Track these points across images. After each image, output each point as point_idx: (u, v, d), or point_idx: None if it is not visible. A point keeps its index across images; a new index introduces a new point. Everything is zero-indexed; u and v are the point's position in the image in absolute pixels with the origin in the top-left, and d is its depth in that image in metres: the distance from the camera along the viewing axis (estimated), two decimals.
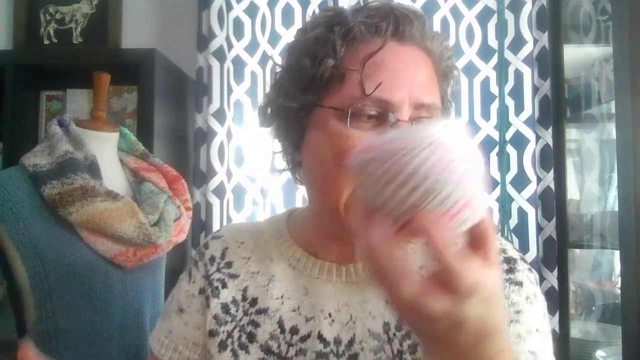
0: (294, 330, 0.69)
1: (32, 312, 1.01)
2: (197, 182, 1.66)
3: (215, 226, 1.62)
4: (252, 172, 1.72)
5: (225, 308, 0.72)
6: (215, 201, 1.63)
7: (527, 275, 0.69)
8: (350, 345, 0.67)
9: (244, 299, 0.72)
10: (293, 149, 0.72)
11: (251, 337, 0.69)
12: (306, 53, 0.67)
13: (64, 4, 1.84)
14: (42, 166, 1.06)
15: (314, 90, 0.66)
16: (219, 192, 1.64)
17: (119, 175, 1.19)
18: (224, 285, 0.73)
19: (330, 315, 0.69)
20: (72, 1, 1.85)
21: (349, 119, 0.63)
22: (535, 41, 1.67)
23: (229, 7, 1.69)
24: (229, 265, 0.75)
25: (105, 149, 1.18)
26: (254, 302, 0.72)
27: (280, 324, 0.70)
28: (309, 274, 0.72)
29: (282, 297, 0.71)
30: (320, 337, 0.67)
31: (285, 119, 0.70)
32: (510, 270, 0.69)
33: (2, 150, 1.59)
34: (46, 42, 1.84)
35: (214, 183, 1.63)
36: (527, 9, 1.66)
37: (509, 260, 0.70)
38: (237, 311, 0.72)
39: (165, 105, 1.61)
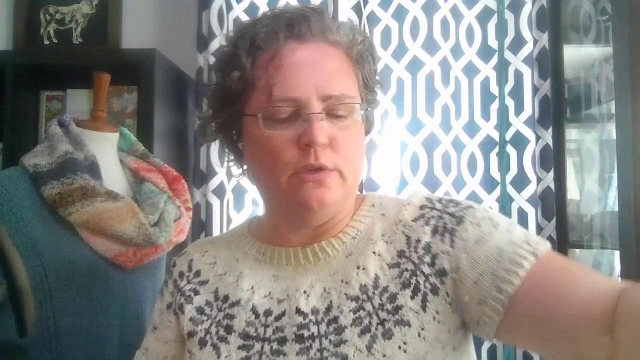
0: (268, 313, 0.72)
1: (32, 312, 1.01)
2: (197, 182, 1.66)
3: (215, 226, 1.62)
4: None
5: (200, 310, 0.76)
6: (215, 201, 1.63)
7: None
8: (328, 311, 0.69)
9: (217, 298, 0.76)
10: (236, 156, 0.79)
11: (228, 329, 0.72)
12: (219, 70, 0.75)
13: (64, 4, 1.84)
14: (42, 166, 1.06)
15: (232, 103, 0.73)
16: (219, 192, 1.64)
17: (119, 176, 1.19)
18: (196, 293, 0.78)
19: (305, 292, 0.72)
20: (72, 1, 1.85)
21: (261, 123, 0.68)
22: (535, 41, 1.67)
23: (229, 7, 1.69)
24: (197, 274, 0.80)
25: (105, 149, 1.18)
26: (225, 298, 0.75)
27: (254, 310, 0.72)
28: (277, 263, 0.75)
29: (252, 288, 0.74)
30: (299, 310, 0.70)
31: (220, 132, 0.78)
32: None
33: (2, 150, 1.59)
34: (46, 42, 1.84)
35: (214, 183, 1.63)
36: (527, 9, 1.66)
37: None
38: (211, 310, 0.75)
39: (165, 105, 1.61)
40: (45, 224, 1.03)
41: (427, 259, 0.69)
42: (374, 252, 0.72)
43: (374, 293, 0.69)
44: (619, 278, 1.45)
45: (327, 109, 0.68)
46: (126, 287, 1.11)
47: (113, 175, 1.16)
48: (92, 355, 1.05)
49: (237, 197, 1.70)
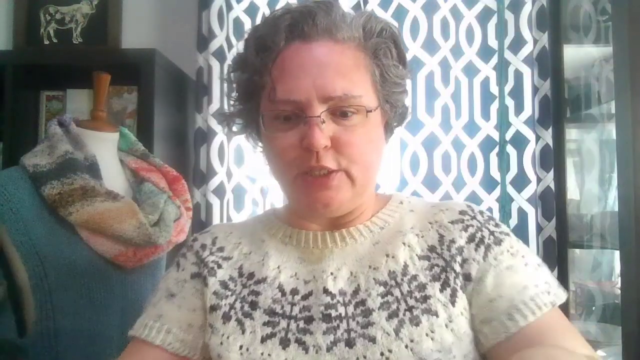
0: (295, 292, 0.72)
1: (32, 312, 1.01)
2: (197, 182, 1.65)
3: None
4: (252, 172, 1.72)
5: (223, 284, 0.75)
6: (215, 201, 1.63)
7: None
8: (355, 294, 0.70)
9: (241, 275, 0.75)
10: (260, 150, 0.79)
11: (253, 305, 0.72)
12: (232, 71, 0.76)
13: (64, 4, 1.84)
14: (42, 166, 1.06)
15: (246, 102, 0.74)
16: (219, 192, 1.64)
17: (119, 176, 1.19)
18: (219, 266, 0.76)
19: (332, 274, 0.72)
20: (72, 1, 1.85)
21: (263, 123, 0.70)
22: (535, 41, 1.67)
23: (229, 7, 1.69)
24: (221, 250, 0.79)
25: (105, 149, 1.18)
26: (251, 275, 0.75)
27: (281, 288, 0.72)
28: (303, 246, 0.75)
29: (278, 267, 0.74)
30: (326, 291, 0.71)
31: (245, 129, 0.79)
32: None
33: (2, 150, 1.59)
34: (46, 42, 1.84)
35: (214, 183, 1.63)
36: (527, 9, 1.66)
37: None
38: (235, 286, 0.74)
39: (165, 105, 1.61)
40: (45, 224, 1.03)
41: (459, 259, 0.71)
42: (403, 243, 0.73)
43: (402, 280, 0.70)
44: (619, 278, 1.45)
45: (331, 110, 0.67)
46: (126, 287, 1.11)
47: (113, 175, 1.16)
48: (92, 355, 1.05)
49: (237, 197, 1.70)
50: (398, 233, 0.74)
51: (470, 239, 0.72)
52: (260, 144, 0.78)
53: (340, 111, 0.68)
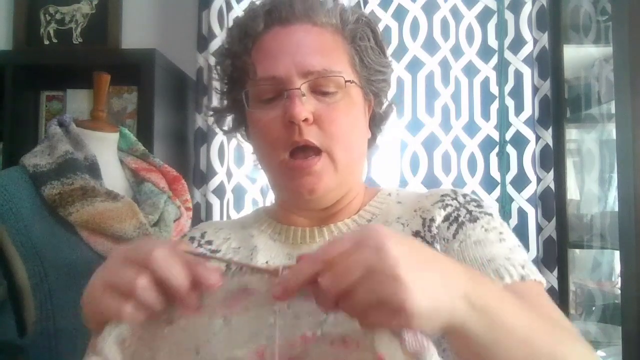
0: None
1: (32, 312, 1.01)
2: (197, 182, 1.65)
3: None
4: (252, 172, 1.72)
5: None
6: (215, 201, 1.63)
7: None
8: None
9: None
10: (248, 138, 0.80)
11: None
12: (219, 63, 0.78)
13: (64, 4, 1.84)
14: (42, 166, 1.06)
15: (231, 91, 0.76)
16: (219, 192, 1.64)
17: (119, 176, 1.19)
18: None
19: None
20: (72, 1, 1.84)
21: (248, 103, 0.71)
22: (535, 41, 1.67)
23: (229, 7, 1.69)
24: (209, 243, 0.78)
25: (105, 149, 1.18)
26: None
27: None
28: (291, 242, 0.75)
29: (266, 262, 0.74)
30: None
31: (233, 124, 0.80)
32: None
33: (2, 150, 1.59)
34: (46, 42, 1.84)
35: (214, 183, 1.63)
36: (527, 9, 1.66)
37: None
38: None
39: (165, 105, 1.61)
40: (45, 224, 1.03)
41: (438, 238, 0.70)
42: None
43: None
44: (619, 278, 1.45)
45: (311, 85, 0.68)
46: None
47: (113, 175, 1.16)
48: None
49: (237, 197, 1.69)
50: (384, 224, 0.73)
51: (447, 217, 0.71)
52: (248, 137, 0.79)
53: (320, 90, 0.69)
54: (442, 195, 0.74)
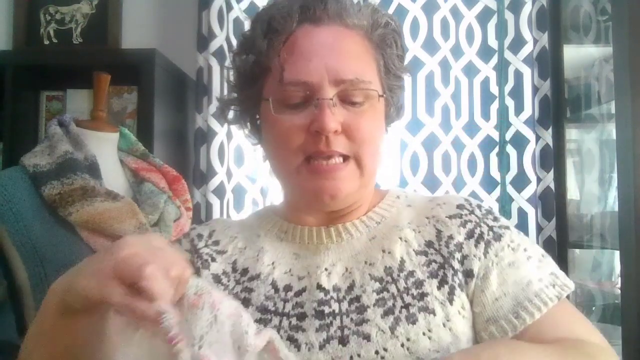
0: (288, 288, 0.71)
1: (32, 312, 1.01)
2: (197, 182, 1.65)
3: None
4: (252, 172, 1.72)
5: (216, 278, 0.74)
6: (215, 201, 1.63)
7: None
8: (350, 290, 0.69)
9: (234, 270, 0.74)
10: (259, 140, 0.77)
11: (246, 302, 0.71)
12: (237, 54, 0.74)
13: (64, 4, 1.84)
14: (42, 166, 1.06)
15: (249, 86, 0.72)
16: (219, 192, 1.64)
17: (119, 176, 1.19)
18: (213, 260, 0.75)
19: (326, 269, 0.71)
20: (72, 1, 1.84)
21: (272, 107, 0.68)
22: (535, 41, 1.67)
23: (229, 7, 1.69)
24: (216, 243, 0.77)
25: (105, 149, 1.17)
26: (244, 271, 0.74)
27: (274, 284, 0.71)
28: (298, 241, 0.74)
29: (272, 263, 0.73)
30: (320, 286, 0.69)
31: (241, 116, 0.77)
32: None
33: (2, 150, 1.59)
34: (46, 42, 1.84)
35: (214, 183, 1.63)
36: (527, 9, 1.66)
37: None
38: (228, 281, 0.73)
39: (165, 105, 1.61)
40: (45, 224, 1.03)
41: (458, 256, 0.70)
42: (400, 238, 0.72)
43: (399, 276, 0.69)
44: (619, 278, 1.45)
45: (341, 95, 0.67)
46: None
47: (113, 175, 1.16)
48: None
49: (237, 197, 1.70)
50: (394, 228, 0.73)
51: (469, 234, 0.71)
52: (256, 134, 0.77)
53: (350, 100, 0.67)
54: (458, 207, 0.74)
